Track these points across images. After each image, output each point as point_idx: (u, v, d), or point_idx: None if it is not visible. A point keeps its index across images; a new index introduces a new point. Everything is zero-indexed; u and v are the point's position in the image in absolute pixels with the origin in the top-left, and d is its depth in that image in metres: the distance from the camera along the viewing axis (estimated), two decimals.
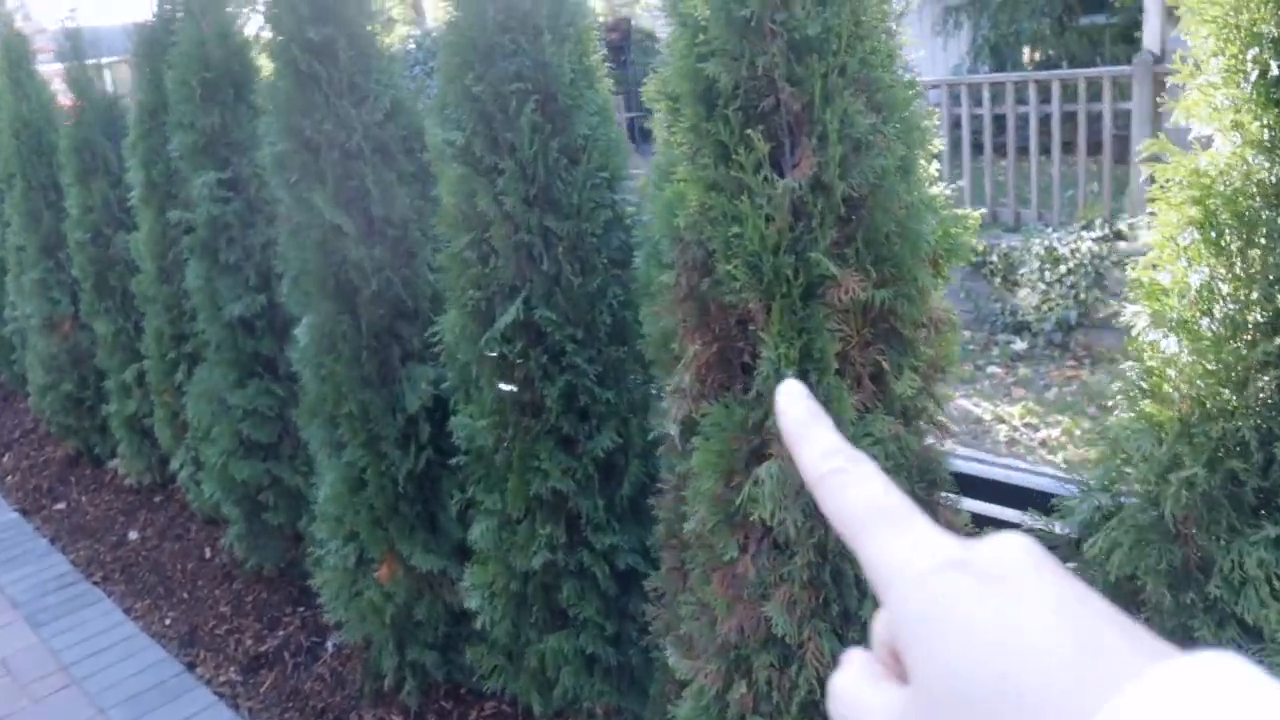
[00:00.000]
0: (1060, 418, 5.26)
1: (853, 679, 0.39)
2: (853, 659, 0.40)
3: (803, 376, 1.55)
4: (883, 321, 1.59)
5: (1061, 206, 6.85)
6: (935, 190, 1.64)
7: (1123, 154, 6.95)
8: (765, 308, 1.57)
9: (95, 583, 3.96)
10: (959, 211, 1.66)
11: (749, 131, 1.53)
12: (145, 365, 3.88)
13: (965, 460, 2.02)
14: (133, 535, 4.18)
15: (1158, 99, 6.44)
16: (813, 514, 1.57)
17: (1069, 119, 6.93)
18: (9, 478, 5.22)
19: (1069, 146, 7.02)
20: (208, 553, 3.82)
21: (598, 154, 2.04)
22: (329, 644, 3.09)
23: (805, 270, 1.53)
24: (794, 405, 0.43)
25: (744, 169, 1.53)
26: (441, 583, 2.58)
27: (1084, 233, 6.28)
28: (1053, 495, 1.71)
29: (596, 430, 2.07)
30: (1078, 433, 5.09)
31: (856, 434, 1.56)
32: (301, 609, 3.31)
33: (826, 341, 1.52)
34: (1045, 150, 7.05)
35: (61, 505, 4.70)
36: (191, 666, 3.29)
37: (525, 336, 2.06)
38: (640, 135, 11.40)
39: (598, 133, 2.06)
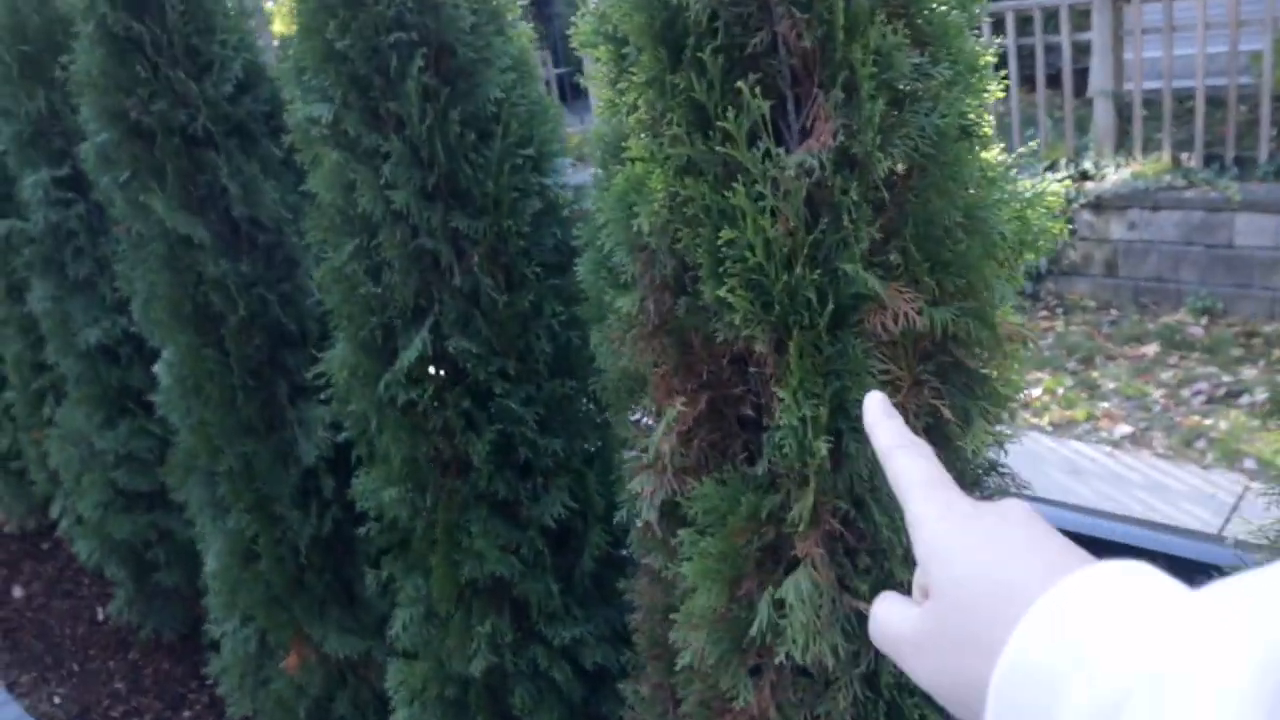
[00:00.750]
0: (1040, 374, 4.84)
1: (887, 604, 0.53)
2: (888, 593, 0.54)
3: (835, 444, 1.05)
4: (943, 353, 1.09)
5: (1022, 146, 6.39)
6: (999, 156, 1.14)
7: (1082, 88, 6.50)
8: (776, 344, 1.06)
9: None
10: (1031, 183, 1.16)
11: (739, 84, 1.02)
12: (9, 396, 3.29)
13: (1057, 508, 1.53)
14: (17, 592, 3.60)
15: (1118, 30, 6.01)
16: (857, 634, 1.09)
17: (1027, 53, 6.44)
18: None
19: (1028, 82, 6.55)
20: (100, 613, 3.26)
21: (516, 124, 1.50)
22: None
23: (834, 288, 1.02)
24: (875, 405, 0.61)
25: (733, 141, 1.02)
26: (367, 666, 2.08)
27: (1049, 174, 5.83)
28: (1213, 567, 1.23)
29: (543, 490, 1.56)
30: (1060, 391, 4.68)
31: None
32: (210, 684, 2.78)
33: (868, 390, 1.02)
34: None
35: None
36: None
37: (438, 375, 1.54)
38: (572, 92, 10.48)
39: (514, 95, 1.52)
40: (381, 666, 2.03)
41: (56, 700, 3.03)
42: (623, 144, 1.22)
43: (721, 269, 1.05)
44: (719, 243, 1.05)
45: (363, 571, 2.03)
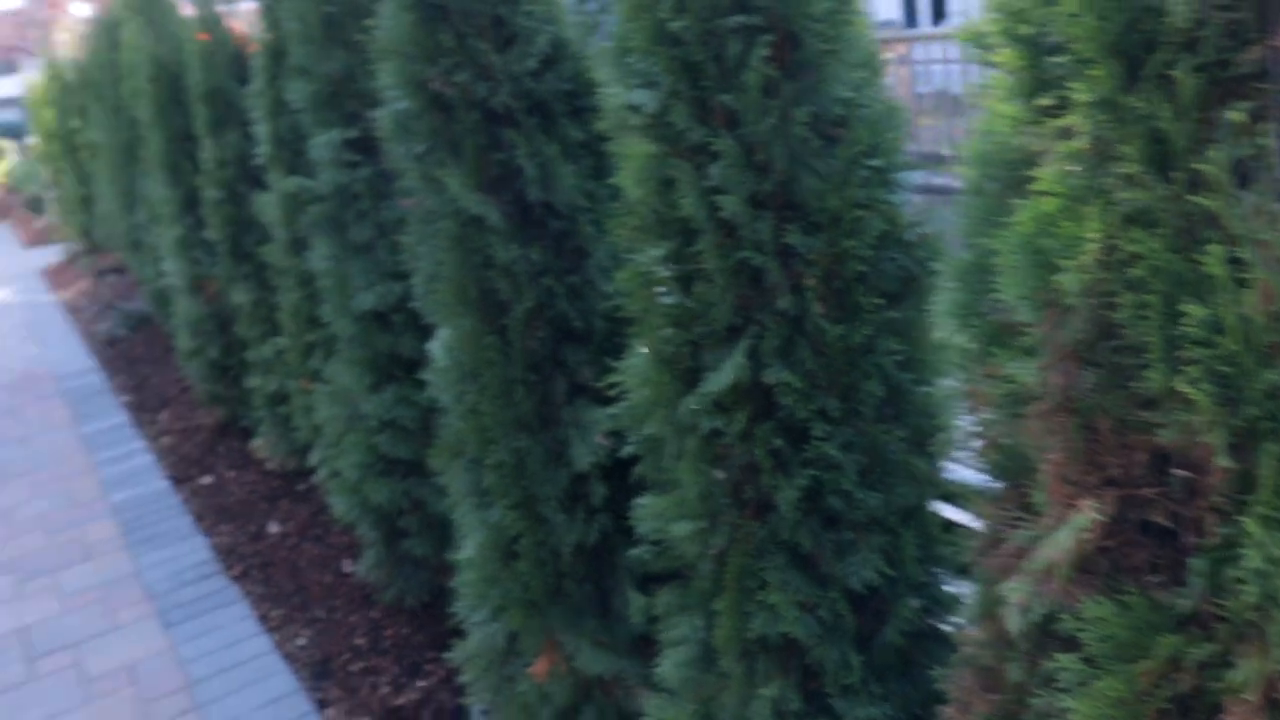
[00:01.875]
0: None
1: None
2: None
3: None
4: None
5: None
6: None
7: None
8: (1239, 454, 0.82)
9: (234, 577, 3.56)
10: None
11: (1224, 113, 0.78)
12: (282, 343, 3.40)
13: None
14: (273, 528, 3.76)
15: None
16: None
17: None
18: (164, 438, 4.94)
19: None
20: (346, 566, 3.34)
21: (864, 130, 1.29)
22: (476, 713, 2.54)
23: None
24: None
25: (1208, 188, 0.78)
26: (616, 685, 1.96)
27: None
28: None
29: (851, 548, 1.37)
30: None
31: None
32: (447, 658, 2.77)
33: None
34: None
35: (208, 479, 4.35)
36: (322, 705, 2.82)
37: (749, 406, 1.36)
38: None
39: (863, 95, 1.31)
40: (631, 690, 1.91)
41: (301, 642, 3.11)
42: (1018, 168, 1.00)
43: (1177, 352, 0.81)
44: (1177, 318, 0.81)
45: (623, 587, 1.91)
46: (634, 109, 1.39)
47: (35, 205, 14.71)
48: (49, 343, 7.33)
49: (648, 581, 1.78)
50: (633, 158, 1.43)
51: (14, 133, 29.73)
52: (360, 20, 2.52)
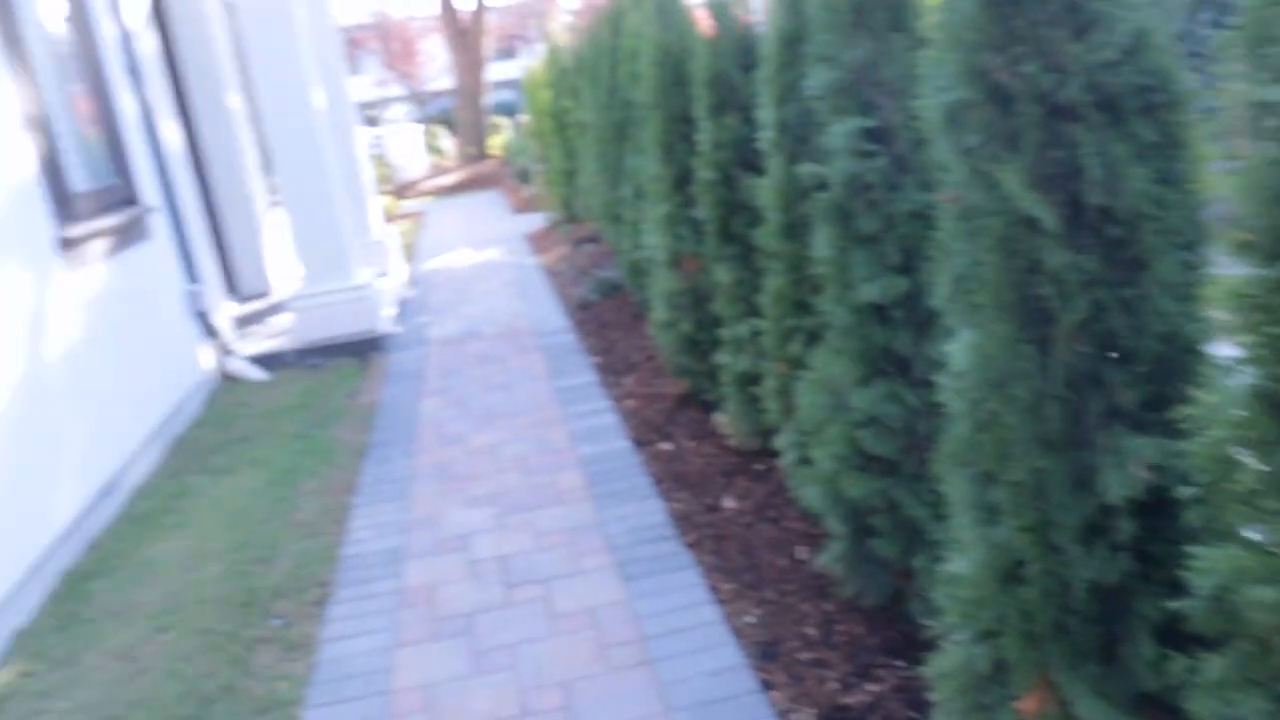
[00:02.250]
0: None
1: None
2: None
3: None
4: None
5: None
6: None
7: None
8: None
9: (687, 544, 3.72)
10: None
11: None
12: (760, 324, 3.48)
13: None
14: (728, 503, 3.89)
15: None
16: None
17: None
18: (628, 401, 5.30)
19: None
20: (801, 553, 3.37)
21: None
22: None
23: None
24: None
25: None
26: None
27: None
28: None
29: None
30: None
31: None
32: (900, 665, 2.70)
33: None
34: None
35: (668, 446, 4.60)
36: (767, 687, 2.86)
37: None
38: None
39: None
40: None
41: (749, 620, 3.18)
42: None
43: None
44: None
45: (1137, 637, 1.72)
46: (1268, 108, 1.21)
47: (524, 176, 16.46)
48: (531, 300, 8.17)
49: (1168, 636, 1.59)
50: (1254, 165, 1.24)
51: (509, 111, 33.48)
52: (887, 6, 2.47)
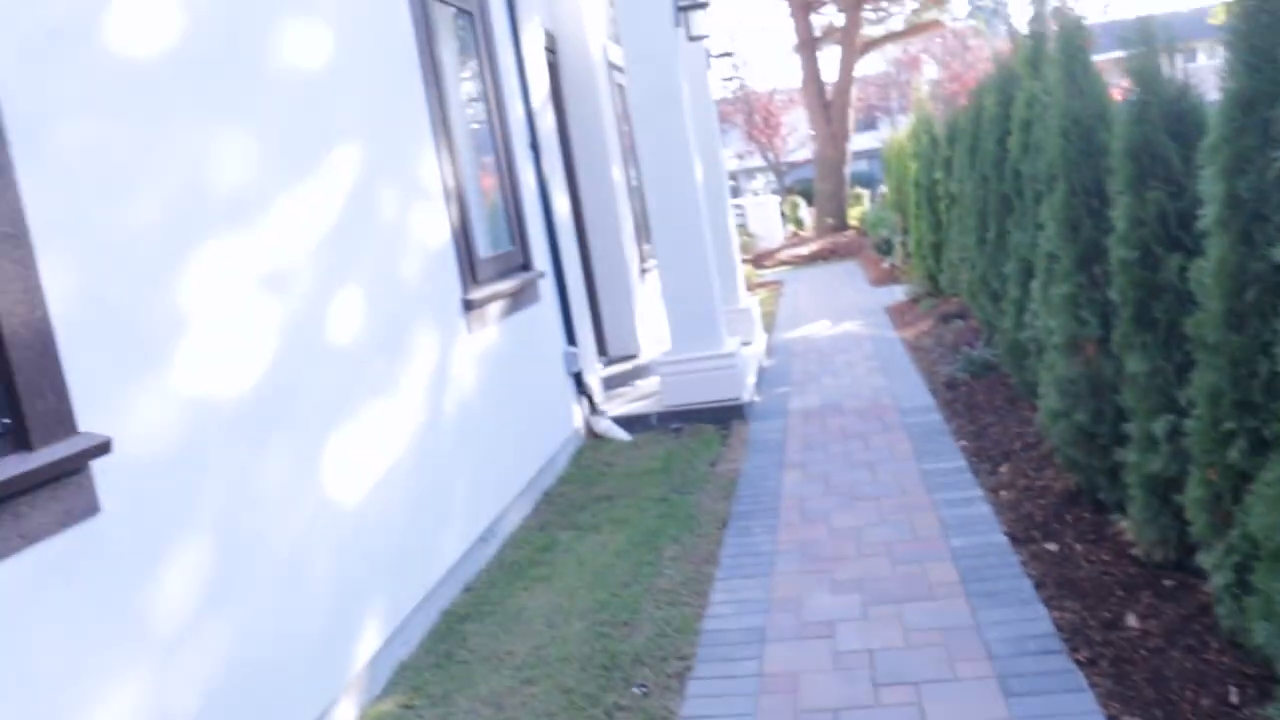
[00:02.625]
0: None
1: None
2: None
3: None
4: None
5: None
6: None
7: None
8: None
9: (1079, 662, 3.31)
10: None
11: None
12: (1185, 423, 3.05)
13: None
14: (1131, 621, 3.42)
15: None
16: None
17: None
18: (1003, 492, 4.91)
19: None
20: (1233, 695, 2.87)
21: None
22: None
23: None
24: None
25: None
26: None
27: None
28: None
29: None
30: None
31: None
32: None
33: None
34: None
35: (1052, 547, 4.17)
36: None
37: None
38: None
39: None
40: None
41: None
42: None
43: None
44: None
45: None
46: None
47: (883, 248, 16.18)
48: (893, 375, 7.90)
49: None
50: None
51: (866, 182, 33.34)
52: None
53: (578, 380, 6.99)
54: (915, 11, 24.03)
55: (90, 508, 2.46)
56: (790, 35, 24.96)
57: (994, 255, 6.30)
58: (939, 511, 4.83)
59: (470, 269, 5.22)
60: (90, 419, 2.50)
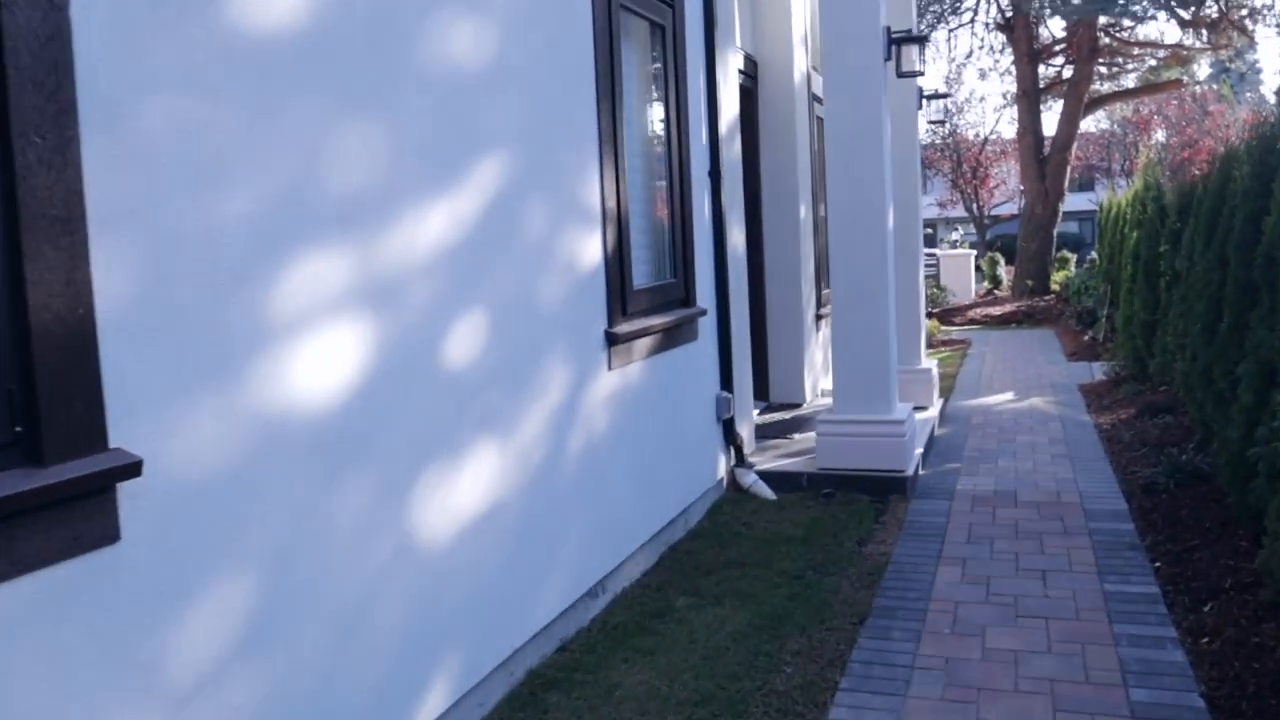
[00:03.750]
0: None
1: None
2: None
3: None
4: None
5: None
6: None
7: None
8: None
9: None
10: None
11: None
12: None
13: None
14: None
15: None
16: None
17: None
18: (1205, 640, 4.10)
19: None
20: None
21: None
22: None
23: None
24: None
25: None
26: None
27: None
28: None
29: None
30: None
31: None
32: None
33: None
34: None
35: None
36: None
37: None
38: None
39: None
40: None
41: None
42: None
43: None
44: None
45: None
46: None
47: (1085, 318, 14.96)
48: (1081, 468, 7.02)
49: None
50: None
51: (1075, 245, 31.40)
52: None
53: (727, 428, 6.48)
54: (1153, 69, 22.38)
55: (107, 534, 2.14)
56: (1011, 84, 23.73)
57: (1225, 350, 5.42)
58: (1120, 649, 4.07)
59: (620, 299, 4.81)
60: (130, 433, 2.18)
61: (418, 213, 3.25)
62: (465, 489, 3.51)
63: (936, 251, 25.26)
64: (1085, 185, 40.54)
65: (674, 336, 5.54)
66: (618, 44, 4.78)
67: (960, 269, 21.86)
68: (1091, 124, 38.13)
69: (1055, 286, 20.50)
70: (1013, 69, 21.83)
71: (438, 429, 3.36)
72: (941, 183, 35.15)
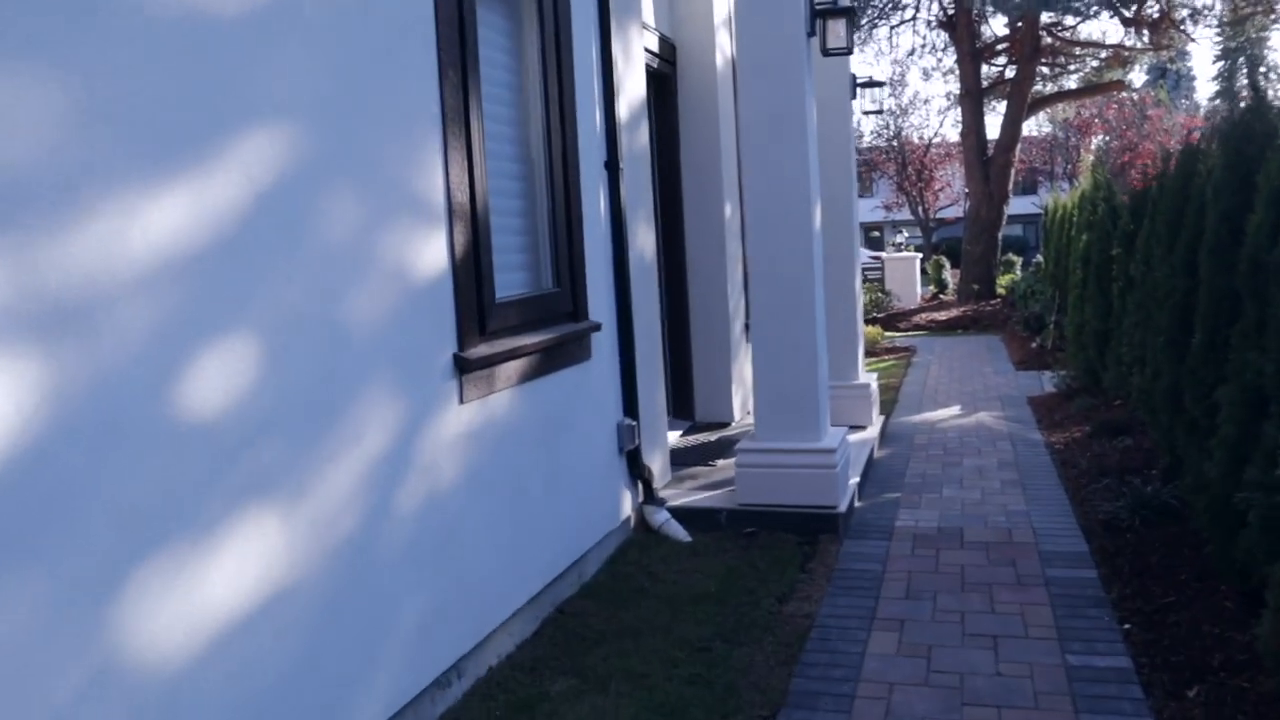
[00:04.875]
0: None
1: None
2: None
3: None
4: None
5: None
6: None
7: None
8: None
9: None
10: None
11: None
12: None
13: None
14: None
15: None
16: None
17: None
18: None
19: None
20: None
21: None
22: None
23: None
24: None
25: None
26: None
27: None
28: None
29: None
30: None
31: None
32: None
33: None
34: None
35: None
36: None
37: None
38: None
39: None
40: None
41: None
42: None
43: None
44: None
45: None
46: None
47: (1032, 324, 14.32)
48: (1034, 497, 6.24)
49: None
50: None
51: (1019, 249, 31.05)
52: None
53: (632, 460, 5.60)
54: (1095, 70, 21.93)
55: None
56: (955, 84, 23.20)
57: (1198, 370, 4.65)
58: None
59: (477, 316, 3.91)
60: None
61: (128, 204, 2.32)
62: (223, 576, 2.59)
63: (882, 255, 24.65)
64: (1029, 189, 40.35)
65: (557, 356, 4.65)
66: (470, 1, 3.88)
67: (905, 273, 21.23)
68: (1034, 127, 37.94)
69: (1001, 290, 19.94)
70: (956, 68, 21.26)
71: (171, 500, 2.43)
72: (887, 185, 34.68)
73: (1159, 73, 33.75)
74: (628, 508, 5.59)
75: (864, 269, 22.85)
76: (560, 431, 4.73)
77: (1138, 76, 33.61)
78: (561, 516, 4.70)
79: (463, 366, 3.77)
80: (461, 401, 3.80)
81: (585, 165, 5.07)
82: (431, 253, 3.63)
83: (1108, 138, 33.65)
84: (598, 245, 5.23)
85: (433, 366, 3.62)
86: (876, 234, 45.48)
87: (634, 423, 5.51)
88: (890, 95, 30.35)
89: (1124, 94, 27.76)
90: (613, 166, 5.38)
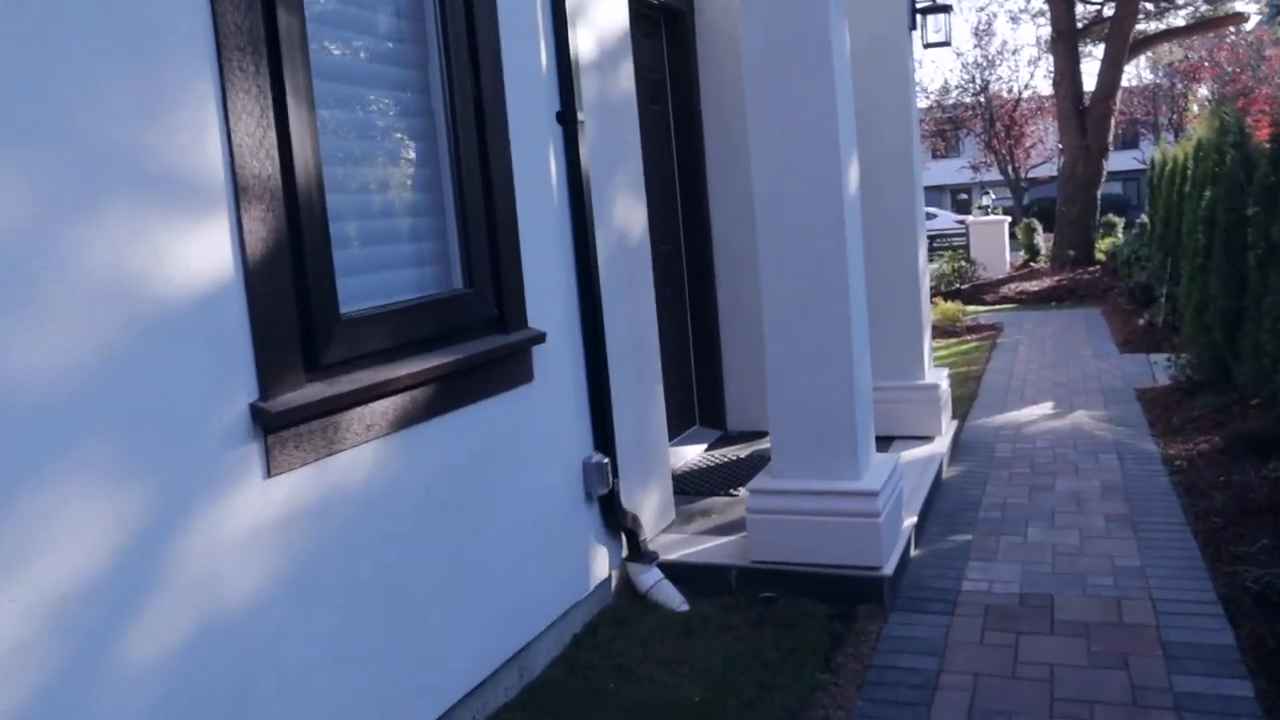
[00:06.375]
0: None
1: None
2: None
3: None
4: None
5: None
6: None
7: None
8: None
9: None
10: None
11: None
12: None
13: None
14: None
15: None
16: None
17: None
18: None
19: None
20: None
21: None
22: None
23: None
24: None
25: None
26: None
27: None
28: None
29: None
30: None
31: None
32: None
33: None
34: None
35: None
36: None
37: None
38: None
39: None
40: None
41: None
42: None
43: None
44: None
45: None
46: None
47: (1138, 295, 12.51)
48: (1150, 545, 4.71)
49: None
50: None
51: (1120, 208, 28.65)
52: None
53: (607, 506, 4.26)
54: (1210, 3, 19.63)
55: None
56: (1045, 28, 21.08)
57: None
58: None
59: (298, 342, 2.60)
60: None
61: None
62: None
63: (967, 219, 22.75)
64: (1129, 142, 37.60)
65: (469, 383, 3.32)
66: None
67: (993, 239, 19.34)
68: (1134, 76, 35.22)
69: (1100, 256, 17.98)
70: (1046, 8, 19.19)
71: None
72: (974, 144, 32.50)
73: (1276, 9, 30.73)
74: (603, 569, 4.26)
75: (948, 235, 21.02)
76: (480, 486, 3.41)
77: (1253, 13, 30.71)
78: (484, 602, 3.39)
79: (268, 422, 2.47)
80: (269, 474, 2.50)
81: (523, 117, 3.72)
82: (197, 253, 2.32)
83: (1218, 84, 30.91)
84: (545, 226, 3.88)
85: (206, 428, 2.33)
86: (964, 196, 43.09)
87: (606, 459, 4.17)
88: (975, 46, 28.17)
89: (1238, 33, 25.19)
90: (569, 119, 4.01)
